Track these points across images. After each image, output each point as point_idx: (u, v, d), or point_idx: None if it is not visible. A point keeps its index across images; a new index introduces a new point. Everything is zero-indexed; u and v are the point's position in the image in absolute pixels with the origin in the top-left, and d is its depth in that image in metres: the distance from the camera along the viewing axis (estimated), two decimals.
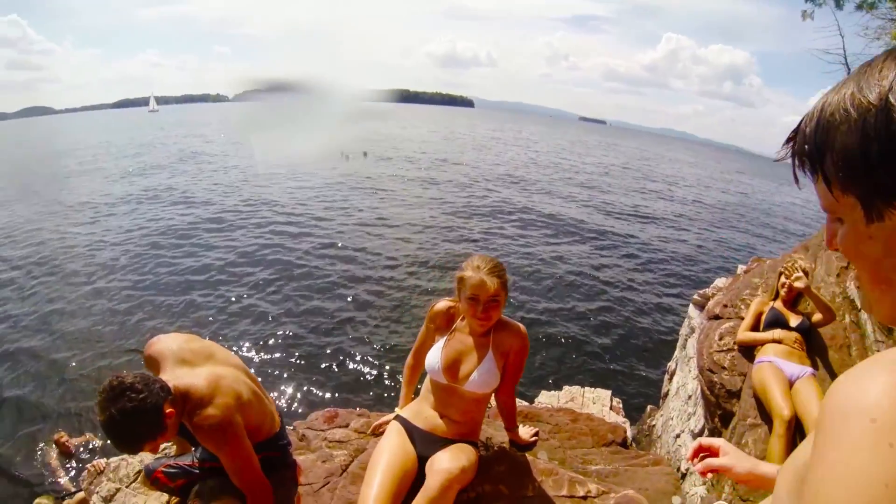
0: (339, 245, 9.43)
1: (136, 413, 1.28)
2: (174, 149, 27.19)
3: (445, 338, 1.74)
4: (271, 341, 6.00)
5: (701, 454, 0.89)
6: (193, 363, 1.54)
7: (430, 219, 11.85)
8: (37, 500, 3.01)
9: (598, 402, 3.04)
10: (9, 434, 4.83)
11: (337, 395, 5.16)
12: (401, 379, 2.03)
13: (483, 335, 1.69)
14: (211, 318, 6.52)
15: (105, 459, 2.63)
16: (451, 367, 1.69)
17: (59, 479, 4.56)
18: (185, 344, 1.61)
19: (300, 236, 9.92)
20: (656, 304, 7.71)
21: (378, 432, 1.97)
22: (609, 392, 3.15)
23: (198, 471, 1.80)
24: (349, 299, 7.12)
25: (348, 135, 36.47)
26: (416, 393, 1.91)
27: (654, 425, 3.69)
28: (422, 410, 1.79)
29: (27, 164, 24.64)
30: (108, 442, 3.89)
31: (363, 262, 8.65)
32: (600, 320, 6.88)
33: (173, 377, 1.47)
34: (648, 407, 4.04)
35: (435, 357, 1.72)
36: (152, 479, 2.00)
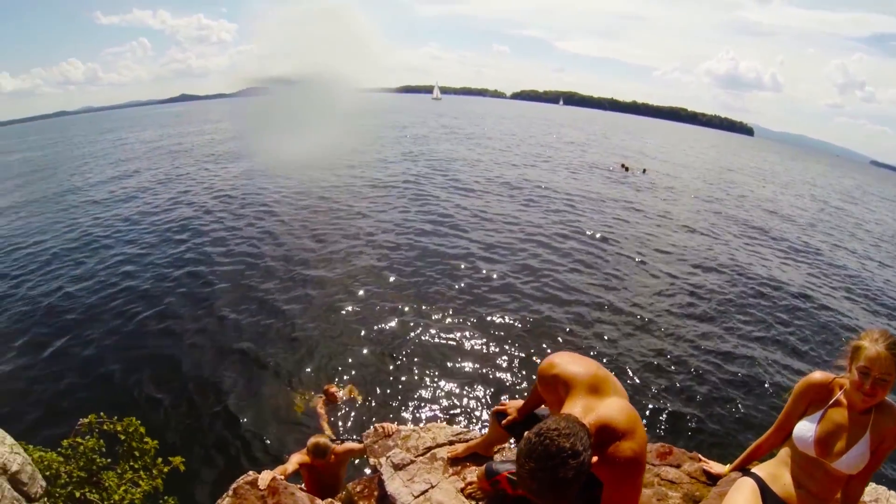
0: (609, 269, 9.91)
1: (578, 478, 1.20)
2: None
3: (822, 411, 1.70)
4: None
5: None
6: (603, 392, 1.51)
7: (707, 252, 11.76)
8: (314, 438, 3.14)
9: None
10: (282, 381, 5.89)
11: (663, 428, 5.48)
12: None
13: (863, 413, 1.64)
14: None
15: (395, 425, 2.76)
16: (824, 441, 1.66)
17: (324, 425, 4.99)
18: (594, 369, 1.58)
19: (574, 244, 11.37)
20: None
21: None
22: None
23: None
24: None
25: (626, 148, 37.85)
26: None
27: None
28: (780, 476, 1.77)
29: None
30: (370, 398, 5.39)
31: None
32: None
33: (588, 408, 1.45)
34: None
35: (808, 429, 1.70)
36: (492, 480, 1.99)
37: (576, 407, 1.44)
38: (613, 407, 1.45)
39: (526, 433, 1.25)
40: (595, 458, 1.27)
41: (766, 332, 7.75)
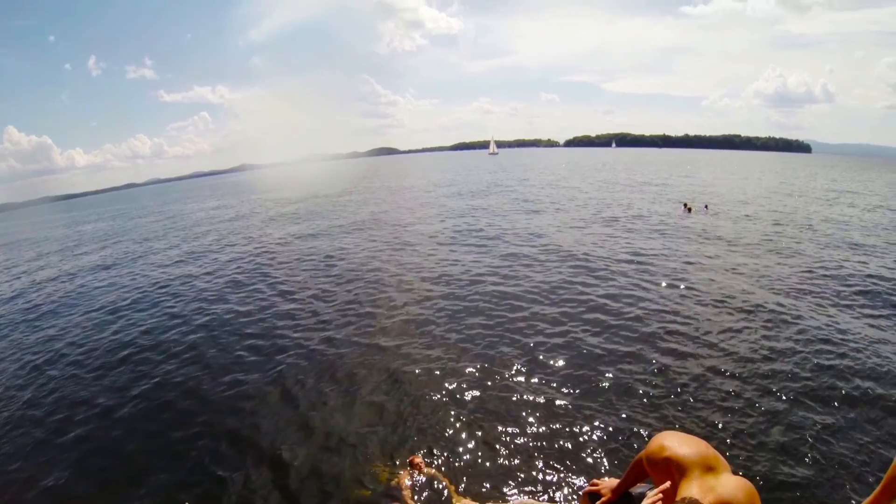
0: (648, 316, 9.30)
1: None
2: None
3: None
4: None
5: None
6: (716, 470, 1.51)
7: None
8: None
9: None
10: (358, 453, 5.75)
11: None
12: None
13: None
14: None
15: None
16: None
17: (408, 500, 4.93)
18: (703, 448, 1.58)
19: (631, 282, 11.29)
20: None
21: None
22: None
23: None
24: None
25: (684, 184, 37.11)
26: None
27: None
28: None
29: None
30: (450, 469, 5.16)
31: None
32: None
33: (707, 488, 1.46)
34: None
35: None
36: None
37: (693, 488, 1.45)
38: (731, 485, 1.45)
39: None
40: None
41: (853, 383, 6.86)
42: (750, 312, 9.33)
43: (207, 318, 10.88)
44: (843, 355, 7.49)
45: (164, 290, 13.75)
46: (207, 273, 15.45)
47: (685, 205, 23.93)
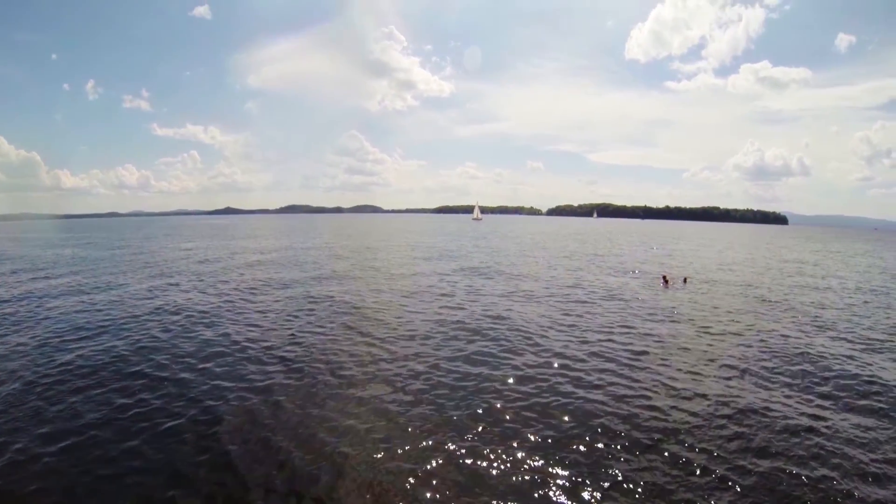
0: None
1: None
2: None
3: None
4: None
5: None
6: None
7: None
8: None
9: None
10: None
11: None
12: None
13: None
14: None
15: None
16: None
17: None
18: None
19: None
20: None
21: None
22: None
23: None
24: None
25: (663, 256, 37.63)
26: None
27: None
28: None
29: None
30: None
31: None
32: None
33: None
34: None
35: None
36: None
37: None
38: None
39: None
40: None
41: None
42: (711, 400, 8.88)
43: (164, 356, 11.12)
44: (814, 447, 7.13)
45: (127, 322, 14.29)
46: (166, 311, 15.79)
47: (664, 278, 23.99)
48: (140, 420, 7.74)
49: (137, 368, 10.12)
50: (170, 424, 7.61)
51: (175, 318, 14.84)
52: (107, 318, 14.81)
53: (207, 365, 10.39)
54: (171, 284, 21.70)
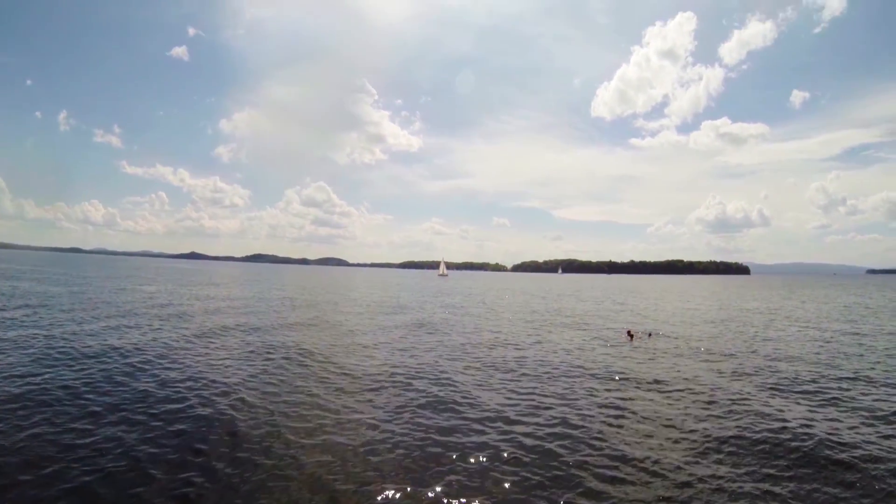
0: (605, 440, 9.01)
1: None
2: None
3: None
4: None
5: None
6: None
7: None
8: None
9: None
10: None
11: None
12: None
13: None
14: None
15: None
16: None
17: None
18: None
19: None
20: None
21: None
22: None
23: None
24: None
25: (627, 311, 37.23)
26: None
27: None
28: None
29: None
30: None
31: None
32: None
33: None
34: None
35: None
36: None
37: None
38: None
39: None
40: None
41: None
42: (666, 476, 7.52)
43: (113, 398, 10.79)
44: None
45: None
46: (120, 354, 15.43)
47: (629, 332, 23.39)
48: (73, 462, 7.41)
49: (82, 403, 10.10)
50: (111, 465, 7.32)
51: (129, 359, 14.67)
52: (60, 353, 14.78)
53: (154, 409, 10.11)
54: (129, 326, 21.20)
